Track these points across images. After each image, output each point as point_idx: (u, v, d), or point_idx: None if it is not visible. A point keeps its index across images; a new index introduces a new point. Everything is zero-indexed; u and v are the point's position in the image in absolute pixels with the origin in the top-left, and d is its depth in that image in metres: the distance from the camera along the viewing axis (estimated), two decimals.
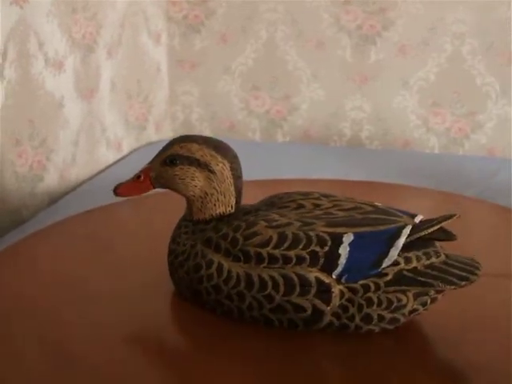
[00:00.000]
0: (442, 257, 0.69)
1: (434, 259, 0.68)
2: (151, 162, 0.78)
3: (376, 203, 0.75)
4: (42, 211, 1.44)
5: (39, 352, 0.67)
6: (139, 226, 1.02)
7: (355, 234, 0.68)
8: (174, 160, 0.76)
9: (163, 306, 0.77)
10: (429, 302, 0.69)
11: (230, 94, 2.11)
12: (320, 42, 2.00)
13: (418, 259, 0.68)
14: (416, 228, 0.69)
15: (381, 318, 0.68)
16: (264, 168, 1.74)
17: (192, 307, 0.76)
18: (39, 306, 0.76)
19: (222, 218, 0.76)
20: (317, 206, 0.74)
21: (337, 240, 0.68)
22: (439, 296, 0.69)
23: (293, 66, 2.04)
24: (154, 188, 0.78)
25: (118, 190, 0.78)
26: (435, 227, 0.68)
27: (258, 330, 0.71)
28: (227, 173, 0.76)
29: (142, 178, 0.78)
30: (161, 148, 0.79)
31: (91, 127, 1.69)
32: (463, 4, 1.88)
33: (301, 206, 0.74)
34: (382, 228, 0.68)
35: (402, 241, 0.67)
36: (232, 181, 0.76)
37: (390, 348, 0.67)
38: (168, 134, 2.18)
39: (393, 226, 0.69)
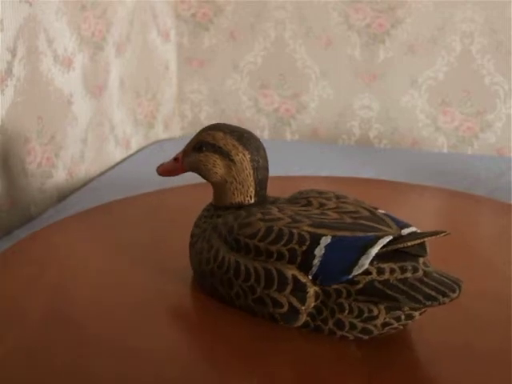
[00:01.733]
0: (420, 273, 0.65)
1: (408, 274, 0.64)
2: (187, 146, 0.82)
3: (379, 210, 0.73)
4: (51, 208, 1.44)
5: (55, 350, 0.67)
6: (162, 216, 1.02)
7: (333, 237, 0.67)
8: (201, 146, 0.79)
9: (174, 289, 0.78)
10: (403, 317, 0.66)
11: (238, 91, 2.11)
12: (329, 41, 2.00)
13: (392, 272, 0.65)
14: (397, 240, 0.66)
15: (353, 326, 0.67)
16: (272, 166, 1.74)
17: (200, 289, 0.78)
18: (59, 292, 0.76)
19: (240, 206, 0.78)
20: (322, 205, 0.74)
21: (315, 241, 0.68)
22: (416, 313, 0.66)
23: (301, 64, 2.04)
24: (186, 171, 0.82)
25: (159, 169, 0.82)
26: (415, 242, 0.65)
27: (246, 317, 0.72)
28: (247, 163, 0.77)
29: (178, 160, 0.82)
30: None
31: (100, 125, 1.70)
32: (472, 2, 1.87)
33: (308, 204, 0.75)
34: (360, 235, 0.67)
35: (374, 250, 0.65)
36: (251, 172, 0.77)
37: (358, 357, 0.65)
38: (176, 132, 2.18)
39: (372, 234, 0.67)
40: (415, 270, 0.65)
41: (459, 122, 1.96)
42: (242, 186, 0.78)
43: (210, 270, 0.74)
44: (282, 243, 0.69)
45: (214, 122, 2.16)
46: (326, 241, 0.67)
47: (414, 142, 2.01)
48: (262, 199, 0.79)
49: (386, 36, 1.96)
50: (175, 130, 2.17)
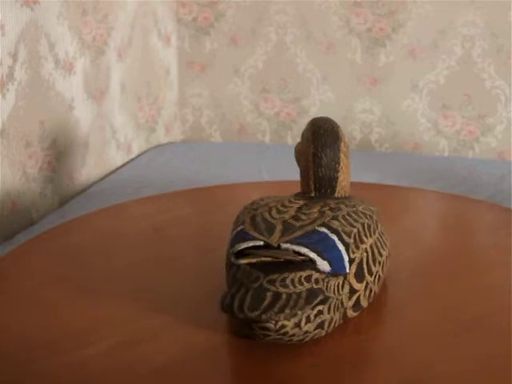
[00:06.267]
0: (255, 284, 0.64)
1: (257, 284, 0.64)
2: None
3: (334, 227, 0.70)
4: (52, 212, 1.44)
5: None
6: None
7: (242, 228, 0.71)
8: (302, 135, 0.83)
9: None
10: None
11: (239, 96, 2.11)
12: (330, 45, 2.00)
13: (243, 273, 0.66)
14: (269, 248, 0.67)
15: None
16: (273, 170, 1.74)
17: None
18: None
19: (303, 196, 0.80)
20: (311, 207, 0.74)
21: (240, 225, 0.73)
22: (286, 322, 0.63)
23: (303, 69, 2.04)
24: None
25: None
26: (254, 255, 0.67)
27: None
28: (310, 157, 0.79)
29: None
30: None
31: (101, 129, 1.70)
32: (473, 6, 1.87)
33: (309, 204, 0.75)
34: (250, 232, 0.70)
35: (238, 247, 0.68)
36: (312, 165, 0.79)
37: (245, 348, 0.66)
38: (178, 136, 2.18)
39: (253, 234, 0.69)
40: (255, 280, 0.65)
41: (460, 125, 1.96)
42: (306, 176, 0.80)
43: None
44: (236, 221, 0.75)
45: (214, 126, 2.16)
46: (239, 228, 0.72)
47: (415, 145, 2.01)
48: (324, 196, 0.79)
49: (386, 40, 1.96)
50: (176, 134, 2.18)
